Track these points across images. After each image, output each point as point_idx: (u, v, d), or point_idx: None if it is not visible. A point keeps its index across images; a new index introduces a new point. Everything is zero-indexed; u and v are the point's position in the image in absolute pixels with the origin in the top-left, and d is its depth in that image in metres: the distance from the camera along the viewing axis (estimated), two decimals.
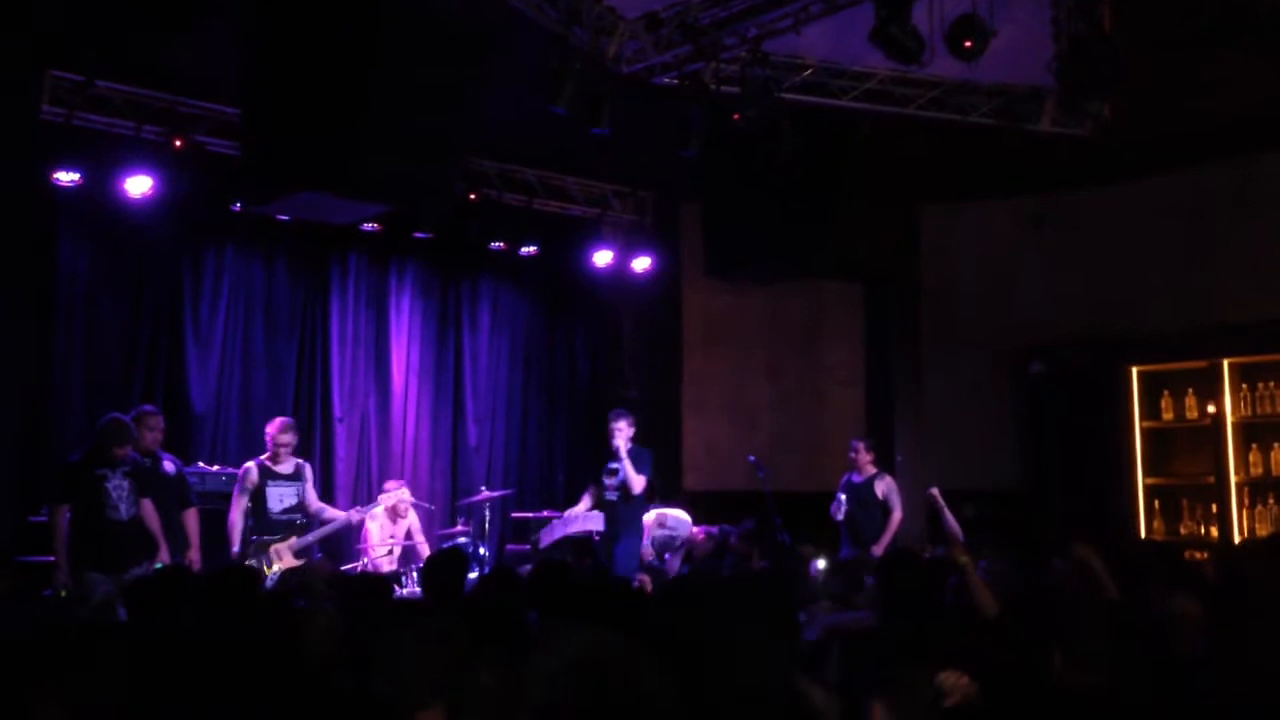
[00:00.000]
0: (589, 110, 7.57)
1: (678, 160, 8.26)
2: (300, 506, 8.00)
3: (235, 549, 7.72)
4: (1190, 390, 9.28)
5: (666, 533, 8.84)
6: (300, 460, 8.15)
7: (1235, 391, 9.02)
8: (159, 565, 6.83)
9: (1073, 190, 9.86)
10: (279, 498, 7.90)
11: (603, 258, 10.54)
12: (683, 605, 3.02)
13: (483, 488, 9.45)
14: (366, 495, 9.25)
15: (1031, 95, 8.74)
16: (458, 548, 8.23)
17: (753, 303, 11.10)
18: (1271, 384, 8.92)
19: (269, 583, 7.40)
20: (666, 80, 8.27)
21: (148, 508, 7.06)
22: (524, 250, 10.10)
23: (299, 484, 8.01)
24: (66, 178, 7.91)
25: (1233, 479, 8.94)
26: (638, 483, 8.54)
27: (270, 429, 8.06)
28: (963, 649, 3.38)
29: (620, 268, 10.67)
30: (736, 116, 7.76)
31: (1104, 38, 7.19)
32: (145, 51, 7.83)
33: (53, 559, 6.82)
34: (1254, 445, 8.96)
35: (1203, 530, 9.13)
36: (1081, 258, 9.82)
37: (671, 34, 8.01)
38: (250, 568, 7.15)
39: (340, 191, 7.15)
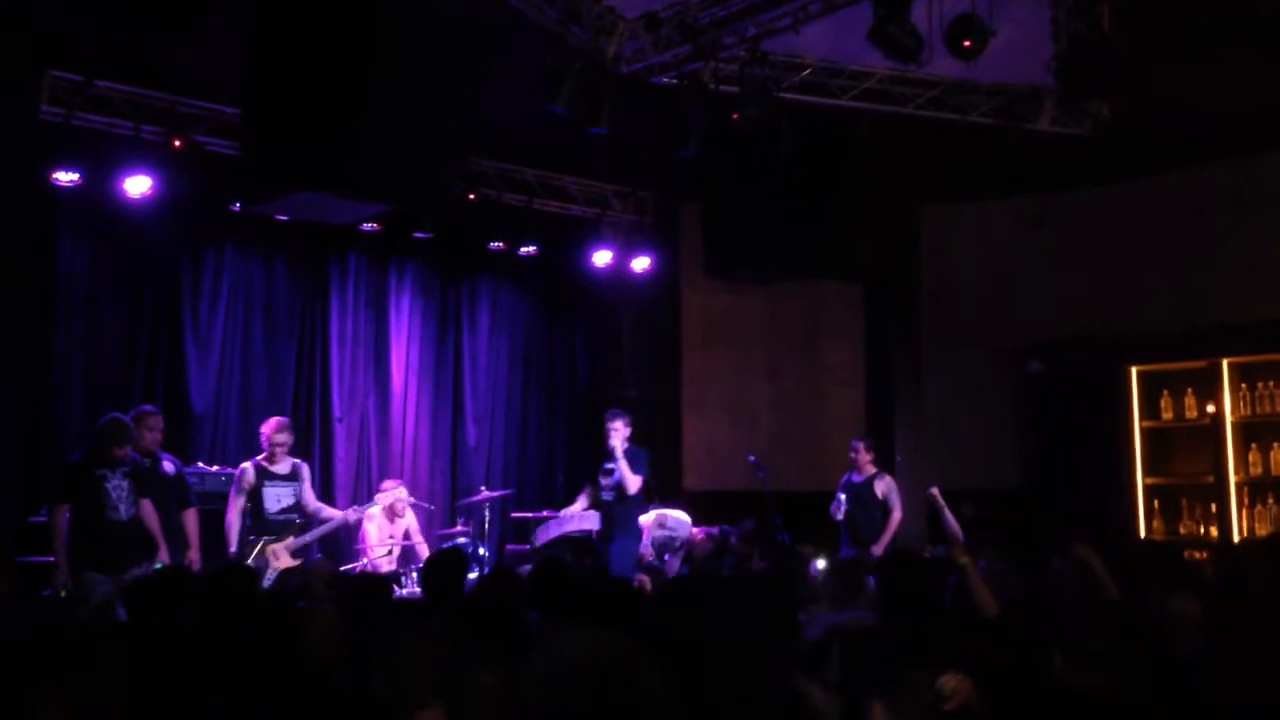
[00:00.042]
0: (588, 110, 7.56)
1: (677, 160, 8.25)
2: (297, 507, 8.00)
3: (232, 549, 7.72)
4: (1190, 390, 9.27)
5: (666, 533, 8.83)
6: (297, 460, 8.16)
7: (1235, 391, 9.02)
8: (159, 565, 6.84)
9: (1072, 190, 9.86)
10: (276, 498, 7.90)
11: (602, 258, 10.54)
12: (683, 605, 3.03)
13: (482, 488, 9.45)
14: (366, 495, 9.24)
15: (1031, 95, 8.73)
16: (457, 548, 8.22)
17: (753, 303, 11.10)
18: (1271, 384, 8.92)
19: (266, 582, 7.40)
20: (666, 80, 8.26)
21: (147, 508, 7.07)
22: (523, 250, 10.10)
23: (296, 484, 8.01)
24: (66, 178, 7.91)
25: (1232, 479, 8.94)
26: (634, 483, 8.55)
27: (266, 429, 8.05)
28: (963, 649, 3.37)
29: (620, 268, 10.66)
30: (736, 116, 7.75)
31: (1104, 37, 7.17)
32: (145, 51, 7.83)
33: (52, 559, 6.83)
34: (1253, 445, 8.97)
35: (1202, 530, 9.13)
36: (1081, 258, 9.83)
37: (671, 34, 8.01)
38: (250, 567, 7.15)
39: (340, 191, 7.14)
